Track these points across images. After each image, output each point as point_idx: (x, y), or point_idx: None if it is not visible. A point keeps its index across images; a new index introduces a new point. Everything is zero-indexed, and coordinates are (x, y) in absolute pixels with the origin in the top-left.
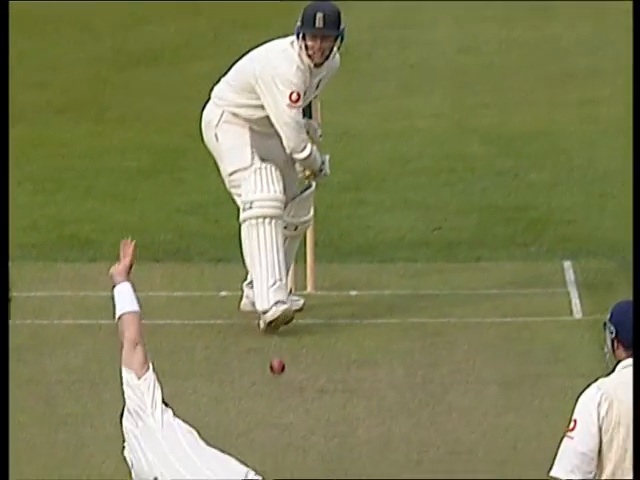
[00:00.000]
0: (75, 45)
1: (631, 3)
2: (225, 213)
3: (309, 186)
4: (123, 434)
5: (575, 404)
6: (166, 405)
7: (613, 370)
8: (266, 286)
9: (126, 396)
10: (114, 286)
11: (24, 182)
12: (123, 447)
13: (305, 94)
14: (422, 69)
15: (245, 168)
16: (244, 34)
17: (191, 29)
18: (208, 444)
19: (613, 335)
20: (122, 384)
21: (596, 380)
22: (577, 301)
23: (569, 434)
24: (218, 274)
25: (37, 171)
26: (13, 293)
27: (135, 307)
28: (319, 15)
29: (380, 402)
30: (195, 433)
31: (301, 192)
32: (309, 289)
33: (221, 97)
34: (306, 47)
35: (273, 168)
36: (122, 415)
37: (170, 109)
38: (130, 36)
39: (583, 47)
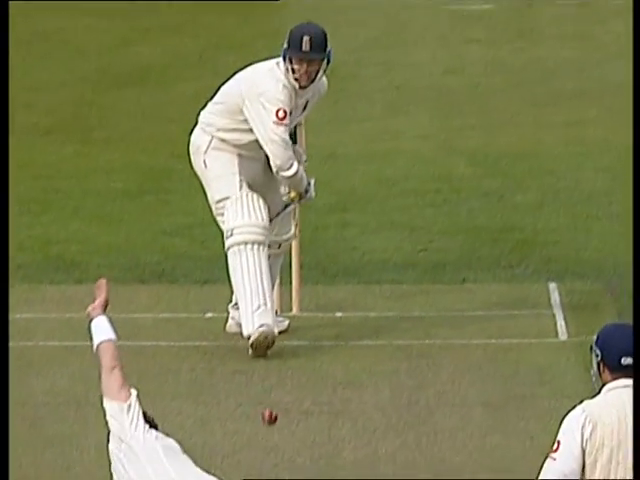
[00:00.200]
0: (61, 66)
1: (616, 27)
2: (211, 234)
3: (289, 203)
4: (109, 456)
5: (560, 425)
6: (150, 425)
7: (599, 392)
8: (250, 310)
9: (109, 423)
10: (90, 321)
11: (10, 203)
12: (110, 469)
13: (291, 114)
14: (408, 90)
15: (231, 197)
16: (229, 55)
17: (177, 50)
18: (195, 463)
19: (599, 358)
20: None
21: (581, 402)
22: (562, 323)
23: (552, 455)
24: (204, 295)
25: (23, 192)
26: None
27: (110, 335)
28: (305, 38)
29: (366, 423)
30: (178, 448)
31: (282, 210)
32: (295, 310)
33: (209, 123)
34: (292, 70)
35: (256, 196)
36: (108, 437)
37: (156, 130)
38: (116, 57)
39: (569, 69)
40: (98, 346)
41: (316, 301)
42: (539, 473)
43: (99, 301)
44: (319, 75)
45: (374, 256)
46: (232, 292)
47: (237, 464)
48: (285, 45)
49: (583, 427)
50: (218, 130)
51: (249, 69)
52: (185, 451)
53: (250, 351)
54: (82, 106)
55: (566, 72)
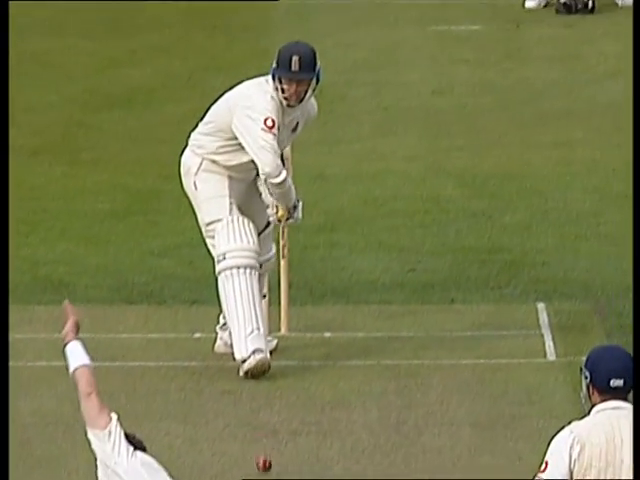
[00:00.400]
0: (49, 88)
1: (603, 48)
2: (199, 255)
3: (268, 224)
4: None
5: (548, 446)
6: (134, 446)
7: (588, 414)
8: (244, 335)
9: (94, 450)
10: (65, 345)
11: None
12: None
13: (279, 129)
14: (396, 111)
15: (221, 220)
16: (218, 77)
17: (165, 72)
18: None
19: (588, 380)
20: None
21: (570, 423)
22: (551, 343)
23: (540, 475)
24: (192, 316)
25: (11, 213)
26: None
27: (85, 360)
28: (295, 58)
29: (354, 443)
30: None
31: (262, 231)
32: (283, 331)
33: (199, 145)
34: (282, 90)
35: (246, 220)
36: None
37: (144, 151)
38: (104, 78)
39: (556, 89)
40: (74, 372)
41: (304, 321)
42: None
43: (69, 325)
44: (308, 94)
45: (362, 276)
46: (219, 313)
47: None
48: (274, 64)
49: (571, 448)
50: (208, 152)
51: (238, 86)
52: (173, 472)
53: (241, 373)
54: (70, 127)
55: (554, 93)
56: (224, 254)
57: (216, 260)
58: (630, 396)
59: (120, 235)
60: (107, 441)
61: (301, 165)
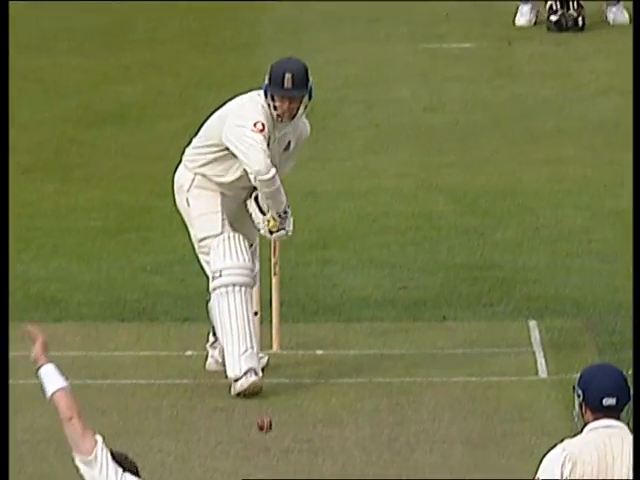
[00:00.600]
0: (41, 104)
1: (595, 65)
2: (191, 272)
3: (251, 245)
4: None
5: (540, 463)
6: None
7: (581, 432)
8: (237, 353)
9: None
10: (38, 369)
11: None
12: None
13: (270, 140)
14: (388, 128)
15: (215, 235)
16: (210, 94)
17: (157, 88)
18: None
19: (580, 399)
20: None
21: (562, 440)
22: (542, 360)
23: None
24: (184, 333)
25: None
26: None
27: (61, 384)
28: (287, 76)
29: (346, 461)
30: None
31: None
32: (275, 348)
33: (192, 160)
34: (274, 107)
35: (241, 237)
36: None
37: (136, 168)
38: (96, 95)
39: (548, 107)
40: (51, 397)
41: (296, 339)
42: None
43: (38, 347)
44: (301, 111)
45: (354, 293)
46: (209, 331)
47: None
48: (266, 81)
49: (563, 465)
50: (200, 165)
51: (231, 101)
52: None
53: (233, 392)
54: (62, 144)
55: (546, 110)
56: (220, 271)
57: (211, 277)
58: (623, 414)
59: (112, 252)
60: (94, 466)
61: (293, 182)
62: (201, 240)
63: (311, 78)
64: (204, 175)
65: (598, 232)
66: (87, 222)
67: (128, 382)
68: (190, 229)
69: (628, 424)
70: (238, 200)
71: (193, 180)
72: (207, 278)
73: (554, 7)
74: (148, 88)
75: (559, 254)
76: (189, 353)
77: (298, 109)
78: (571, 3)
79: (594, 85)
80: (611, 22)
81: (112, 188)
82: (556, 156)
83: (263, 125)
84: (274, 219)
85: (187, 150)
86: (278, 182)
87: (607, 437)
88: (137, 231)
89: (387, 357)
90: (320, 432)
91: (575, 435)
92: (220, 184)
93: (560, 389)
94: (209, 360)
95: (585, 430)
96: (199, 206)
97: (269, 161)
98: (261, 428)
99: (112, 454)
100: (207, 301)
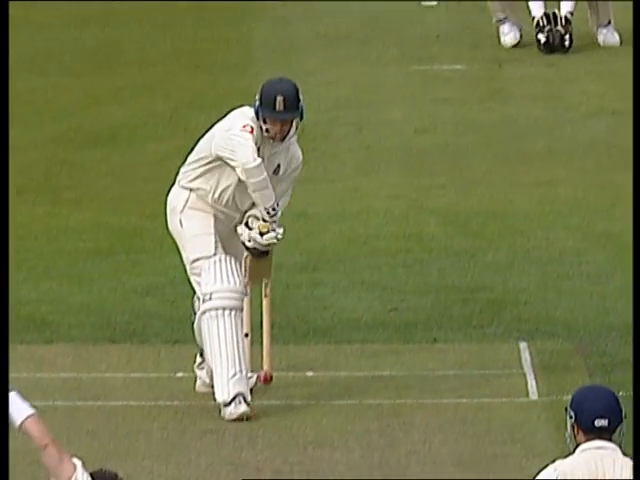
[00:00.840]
0: (31, 126)
1: (586, 87)
2: (182, 294)
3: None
4: None
5: None
6: None
7: (573, 452)
8: (226, 377)
9: None
10: None
11: None
12: None
13: (258, 150)
14: (379, 150)
15: (207, 257)
16: (201, 115)
17: (148, 110)
18: None
19: (573, 420)
20: None
21: (554, 461)
22: (533, 382)
23: None
24: (174, 355)
25: None
26: None
27: (29, 411)
28: (279, 98)
29: None
30: None
31: None
32: (265, 370)
33: (185, 176)
34: (266, 130)
35: (233, 259)
36: None
37: (127, 190)
38: (87, 116)
39: (539, 128)
40: (21, 425)
41: (287, 360)
42: None
43: None
44: (292, 132)
45: (345, 315)
46: (196, 352)
47: None
48: (257, 102)
49: None
50: (192, 180)
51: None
52: None
53: (222, 415)
54: (53, 166)
55: (536, 132)
56: (210, 294)
57: (201, 299)
58: (615, 436)
59: (103, 274)
60: None
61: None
62: (193, 261)
63: (302, 98)
64: (197, 193)
65: (589, 254)
66: (78, 244)
67: (119, 404)
68: (182, 250)
69: (620, 445)
70: (230, 224)
71: (187, 201)
72: (194, 299)
73: (541, 23)
74: (139, 110)
75: (550, 276)
76: (180, 375)
77: (289, 130)
78: (559, 19)
79: (585, 107)
80: (602, 44)
81: (103, 210)
82: (547, 178)
83: (252, 128)
84: (264, 220)
85: (181, 170)
86: (265, 173)
87: (599, 458)
88: (128, 253)
89: (378, 379)
90: (311, 454)
91: (567, 456)
92: (213, 205)
93: (551, 411)
94: (198, 382)
95: (577, 451)
96: (192, 227)
97: (256, 155)
98: (264, 380)
99: (92, 477)
100: (192, 322)
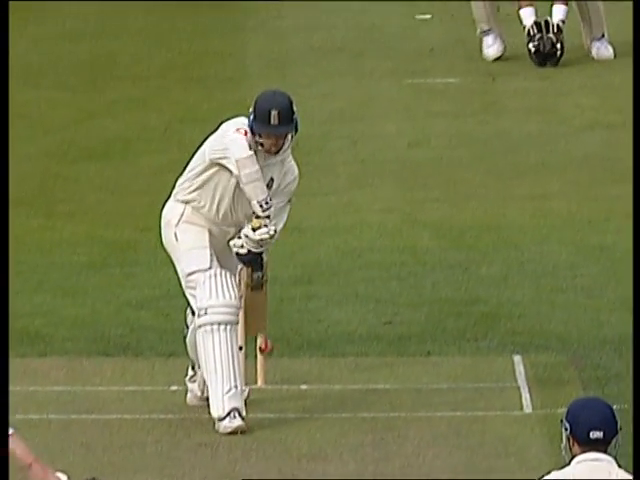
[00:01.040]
0: (25, 139)
1: (579, 100)
2: (176, 307)
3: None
4: None
5: None
6: None
7: (568, 464)
8: (221, 393)
9: None
10: None
11: None
12: None
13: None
14: (373, 163)
15: (202, 270)
16: (195, 129)
17: (142, 123)
18: None
19: (568, 432)
20: None
21: (549, 472)
22: (527, 395)
23: None
24: (169, 368)
25: None
26: None
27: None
28: (274, 113)
29: None
30: None
31: None
32: (259, 383)
33: (181, 189)
34: (261, 144)
35: (229, 274)
36: None
37: (121, 203)
38: (81, 130)
39: (533, 142)
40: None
41: (281, 373)
42: None
43: None
44: (286, 145)
45: (339, 328)
46: (189, 365)
47: None
48: (251, 116)
49: None
50: (189, 193)
51: None
52: None
53: (216, 429)
54: (46, 179)
55: (530, 145)
56: (206, 309)
57: (197, 313)
58: (610, 448)
59: (97, 287)
60: None
61: None
62: (189, 275)
63: (296, 109)
64: (193, 205)
65: (583, 267)
66: (72, 257)
67: (113, 417)
68: (177, 264)
69: (615, 457)
70: (224, 240)
71: (182, 214)
72: (187, 313)
73: (532, 32)
74: (133, 123)
75: (544, 289)
76: (174, 388)
77: (284, 143)
78: (551, 26)
79: (579, 120)
80: (595, 57)
81: (96, 223)
82: (541, 191)
83: (246, 131)
84: (257, 217)
85: (178, 182)
86: (257, 165)
87: (594, 470)
88: (122, 266)
89: (372, 392)
90: (305, 467)
91: (562, 467)
92: (208, 219)
93: (545, 424)
94: (189, 395)
95: (572, 463)
96: (187, 241)
97: (249, 150)
98: (262, 350)
99: None
100: (184, 336)
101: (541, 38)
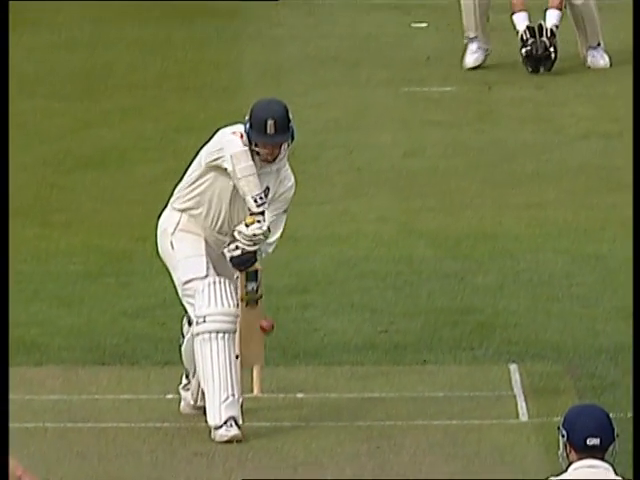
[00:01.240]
0: (21, 149)
1: (575, 110)
2: (171, 316)
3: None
4: None
5: None
6: None
7: (565, 471)
8: (218, 401)
9: None
10: None
11: None
12: None
13: None
14: (368, 172)
15: (200, 278)
16: (190, 138)
17: (137, 133)
18: None
19: (565, 439)
20: None
21: (547, 478)
22: (523, 404)
23: None
24: (164, 377)
25: None
26: None
27: None
28: (270, 122)
29: None
30: None
31: None
32: (255, 392)
33: (177, 197)
34: (257, 153)
35: (228, 281)
36: None
37: (116, 212)
38: (76, 140)
39: (528, 151)
40: None
41: (277, 382)
42: None
43: None
44: (283, 153)
45: (335, 337)
46: (183, 374)
47: None
48: (247, 125)
49: None
50: (186, 201)
51: None
52: None
53: (212, 437)
54: (42, 189)
55: (526, 154)
56: (204, 317)
57: (195, 321)
58: (607, 454)
59: (93, 296)
60: None
61: None
62: (185, 283)
63: (292, 118)
64: (189, 213)
65: (578, 276)
66: (68, 266)
67: (109, 425)
68: (173, 272)
69: (612, 464)
70: (219, 250)
71: (178, 223)
72: (183, 322)
73: (524, 37)
74: (128, 133)
75: (539, 298)
76: (170, 396)
77: (280, 152)
78: (544, 30)
79: (574, 129)
80: (591, 66)
81: (92, 232)
82: (536, 200)
83: (241, 134)
84: (251, 213)
85: (175, 190)
86: (252, 161)
87: (591, 477)
88: (117, 275)
89: (368, 401)
90: (301, 476)
91: (560, 474)
92: (204, 227)
93: (541, 432)
94: (182, 404)
95: (569, 469)
96: (183, 249)
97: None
98: (264, 329)
99: None
100: (180, 345)
101: (534, 42)
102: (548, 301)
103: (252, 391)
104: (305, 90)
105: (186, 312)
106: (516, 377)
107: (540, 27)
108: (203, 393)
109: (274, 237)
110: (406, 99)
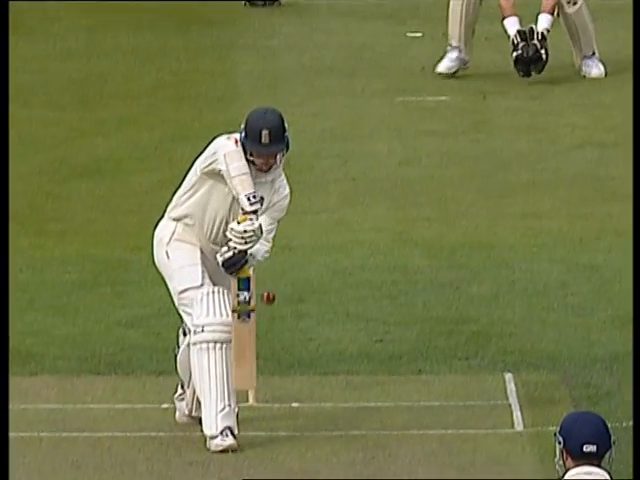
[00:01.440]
0: (16, 158)
1: (570, 119)
2: (167, 326)
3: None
4: None
5: None
6: None
7: (562, 477)
8: (215, 411)
9: None
10: None
11: None
12: None
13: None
14: (364, 182)
15: (195, 287)
16: (186, 147)
17: (133, 142)
18: None
19: (561, 446)
20: None
21: None
22: (518, 413)
23: None
24: (159, 386)
25: None
26: None
27: None
28: (265, 132)
29: None
30: None
31: None
32: (250, 401)
33: (173, 206)
34: (252, 162)
35: (224, 291)
36: None
37: (112, 222)
38: (72, 149)
39: (523, 160)
40: None
41: (272, 392)
42: None
43: None
44: (278, 162)
45: (330, 347)
46: (178, 383)
47: None
48: (243, 134)
49: None
50: (181, 213)
51: None
52: None
53: (208, 447)
54: (37, 198)
55: (521, 164)
56: (202, 326)
57: (192, 330)
58: (603, 462)
59: (88, 306)
60: None
61: None
62: (181, 292)
63: (287, 126)
64: (185, 222)
65: (574, 286)
66: (63, 276)
67: (104, 435)
68: (169, 282)
69: (609, 471)
70: (215, 259)
71: (173, 232)
72: (179, 333)
73: (515, 41)
74: (123, 142)
75: (535, 308)
76: (165, 406)
77: (275, 162)
78: (535, 34)
79: (569, 139)
80: (586, 75)
81: (88, 242)
82: (532, 210)
83: (236, 140)
84: (245, 212)
85: (172, 199)
86: (244, 160)
87: None
88: (112, 285)
89: (363, 410)
90: None
91: None
92: (200, 236)
93: (536, 442)
94: (177, 413)
95: (566, 477)
96: (179, 258)
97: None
98: (267, 300)
99: None
100: (176, 355)
101: (525, 45)
102: (543, 311)
103: (247, 401)
104: (300, 100)
105: (182, 321)
106: (511, 386)
107: (531, 30)
108: (199, 403)
109: (266, 247)
110: (401, 109)
